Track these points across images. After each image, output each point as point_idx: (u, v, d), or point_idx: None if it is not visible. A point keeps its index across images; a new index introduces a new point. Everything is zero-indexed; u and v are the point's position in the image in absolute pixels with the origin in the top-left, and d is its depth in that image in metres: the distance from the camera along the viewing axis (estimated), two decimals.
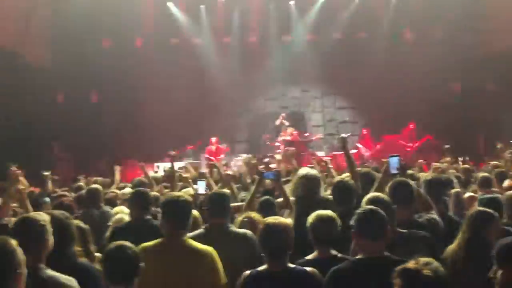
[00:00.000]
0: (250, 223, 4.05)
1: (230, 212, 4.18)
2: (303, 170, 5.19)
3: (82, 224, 3.90)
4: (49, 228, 3.02)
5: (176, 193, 3.64)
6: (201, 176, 7.21)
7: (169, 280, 3.29)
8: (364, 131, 16.44)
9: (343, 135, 5.62)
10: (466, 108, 16.82)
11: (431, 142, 15.12)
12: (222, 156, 15.00)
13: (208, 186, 5.86)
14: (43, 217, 3.06)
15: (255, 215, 4.15)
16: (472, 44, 16.84)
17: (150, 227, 4.26)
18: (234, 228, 3.97)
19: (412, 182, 3.99)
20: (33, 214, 3.17)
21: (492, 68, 15.94)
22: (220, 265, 3.39)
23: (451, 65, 16.76)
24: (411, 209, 3.87)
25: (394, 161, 4.29)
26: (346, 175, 5.59)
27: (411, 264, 2.32)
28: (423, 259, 2.31)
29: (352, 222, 3.14)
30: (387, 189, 4.01)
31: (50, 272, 2.88)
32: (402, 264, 2.40)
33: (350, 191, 4.64)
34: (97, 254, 3.91)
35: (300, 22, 17.58)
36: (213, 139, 15.40)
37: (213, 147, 15.22)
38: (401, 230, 3.52)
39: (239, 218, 4.24)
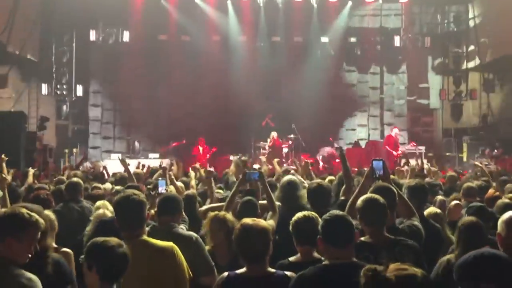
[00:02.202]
0: (217, 223, 3.91)
1: (181, 213, 4.12)
2: (287, 177, 5.22)
3: (51, 216, 3.79)
4: None
5: (128, 191, 3.46)
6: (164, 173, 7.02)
7: (133, 280, 3.04)
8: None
9: (336, 145, 5.67)
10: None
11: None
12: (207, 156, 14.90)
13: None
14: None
15: (222, 214, 4.03)
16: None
17: None
18: (180, 229, 3.88)
19: (394, 188, 3.92)
20: (17, 208, 2.95)
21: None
22: (183, 260, 3.30)
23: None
24: (393, 215, 3.82)
25: (378, 166, 4.23)
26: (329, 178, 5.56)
27: (378, 267, 2.19)
28: (396, 265, 2.09)
29: (319, 228, 3.07)
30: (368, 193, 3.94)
31: (19, 271, 2.74)
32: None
33: (326, 194, 4.64)
34: (65, 249, 3.79)
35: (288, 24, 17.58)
36: (202, 140, 15.28)
37: (201, 148, 15.12)
38: (389, 235, 3.44)
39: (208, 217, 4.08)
